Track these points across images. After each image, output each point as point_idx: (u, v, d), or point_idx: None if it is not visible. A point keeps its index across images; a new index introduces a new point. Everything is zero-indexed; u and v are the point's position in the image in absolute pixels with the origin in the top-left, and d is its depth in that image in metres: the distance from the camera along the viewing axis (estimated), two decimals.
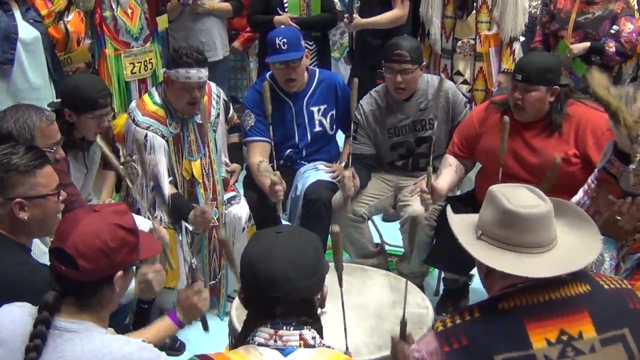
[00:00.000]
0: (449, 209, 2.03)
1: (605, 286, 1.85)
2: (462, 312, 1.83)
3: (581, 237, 1.92)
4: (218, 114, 3.74)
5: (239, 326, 2.53)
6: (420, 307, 2.84)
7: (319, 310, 1.84)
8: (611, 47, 4.39)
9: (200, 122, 3.60)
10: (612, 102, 2.30)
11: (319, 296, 1.82)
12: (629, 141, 2.29)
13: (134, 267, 2.05)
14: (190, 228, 3.57)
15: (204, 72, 3.44)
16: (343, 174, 3.60)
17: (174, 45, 4.80)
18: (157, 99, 3.55)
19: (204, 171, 3.62)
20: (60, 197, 2.31)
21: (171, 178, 3.56)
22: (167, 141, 3.52)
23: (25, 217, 2.20)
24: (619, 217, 2.32)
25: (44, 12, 4.18)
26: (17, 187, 2.19)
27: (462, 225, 1.95)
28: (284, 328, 1.74)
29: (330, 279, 1.92)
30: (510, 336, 1.75)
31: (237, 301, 2.76)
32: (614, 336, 1.76)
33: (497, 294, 1.84)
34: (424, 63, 3.77)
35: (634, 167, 2.27)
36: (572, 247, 1.87)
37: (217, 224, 3.61)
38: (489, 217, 1.87)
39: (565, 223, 1.92)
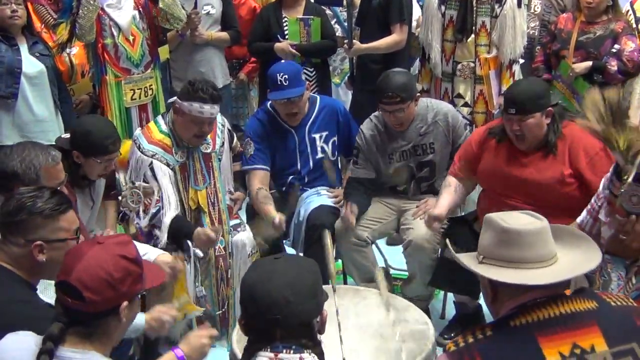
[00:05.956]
0: (449, 244, 2.06)
1: (612, 303, 1.87)
2: (474, 331, 1.83)
3: (580, 252, 1.95)
4: (223, 143, 3.76)
5: (240, 354, 2.54)
6: (420, 323, 2.86)
7: (318, 335, 1.86)
8: (613, 65, 4.41)
9: (206, 151, 3.63)
10: (603, 132, 2.33)
11: (318, 319, 1.85)
12: (623, 161, 2.32)
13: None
14: (200, 254, 3.57)
15: (216, 109, 3.47)
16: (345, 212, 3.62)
17: (177, 75, 4.86)
18: (164, 127, 3.56)
19: (209, 200, 3.63)
20: (79, 241, 2.31)
21: (178, 210, 3.54)
22: (173, 170, 3.53)
23: (43, 259, 2.21)
24: (624, 237, 2.33)
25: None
26: (39, 230, 2.21)
27: (464, 256, 1.98)
28: (284, 351, 1.76)
29: (327, 303, 1.93)
30: (524, 352, 1.76)
31: (237, 331, 2.76)
32: (625, 350, 1.77)
33: (507, 313, 1.84)
34: (418, 95, 3.76)
35: (624, 188, 2.29)
36: (573, 261, 1.90)
37: (224, 252, 3.62)
38: (488, 240, 1.90)
39: (562, 244, 1.95)
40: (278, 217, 3.59)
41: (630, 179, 2.28)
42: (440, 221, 3.45)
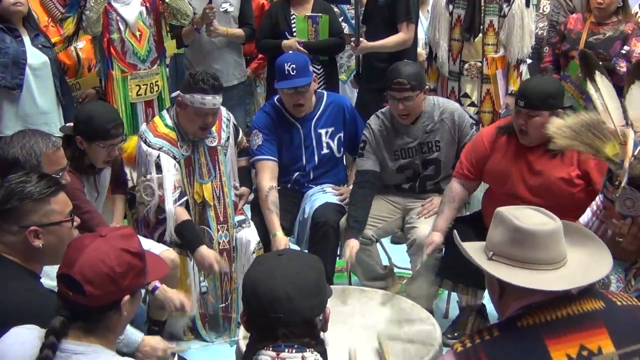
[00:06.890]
0: (455, 235, 2.02)
1: (618, 303, 1.85)
2: (480, 332, 1.81)
3: (589, 254, 1.92)
4: (228, 137, 3.76)
5: None
6: (427, 324, 2.85)
7: (321, 334, 1.84)
8: (622, 67, 4.40)
9: (211, 145, 3.63)
10: (581, 146, 2.31)
11: (321, 317, 1.83)
12: (614, 167, 2.31)
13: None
14: None
15: (218, 99, 3.48)
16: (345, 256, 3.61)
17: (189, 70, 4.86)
18: (169, 121, 3.58)
19: (214, 194, 3.64)
20: (75, 223, 2.29)
21: (186, 197, 3.56)
22: (178, 163, 3.54)
23: (40, 245, 2.18)
24: (620, 239, 2.32)
25: (55, 38, 4.23)
26: (32, 215, 2.18)
27: (472, 249, 1.94)
28: (286, 350, 1.73)
29: (332, 302, 1.91)
30: (531, 353, 1.74)
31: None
32: (632, 351, 1.76)
33: (514, 313, 1.83)
34: (427, 86, 3.76)
35: (619, 192, 2.28)
36: (582, 264, 1.87)
37: (228, 246, 3.62)
38: (499, 237, 1.86)
39: (571, 242, 1.92)
40: (284, 243, 3.60)
41: (623, 184, 2.27)
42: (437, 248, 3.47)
